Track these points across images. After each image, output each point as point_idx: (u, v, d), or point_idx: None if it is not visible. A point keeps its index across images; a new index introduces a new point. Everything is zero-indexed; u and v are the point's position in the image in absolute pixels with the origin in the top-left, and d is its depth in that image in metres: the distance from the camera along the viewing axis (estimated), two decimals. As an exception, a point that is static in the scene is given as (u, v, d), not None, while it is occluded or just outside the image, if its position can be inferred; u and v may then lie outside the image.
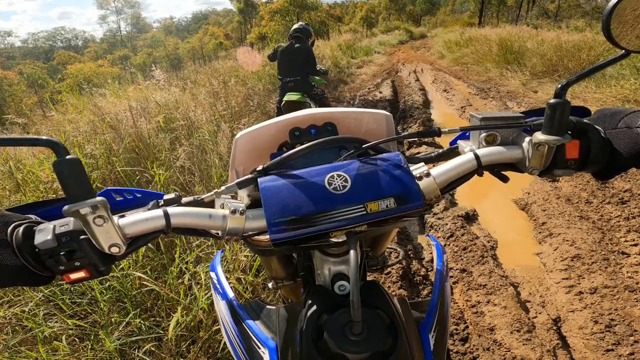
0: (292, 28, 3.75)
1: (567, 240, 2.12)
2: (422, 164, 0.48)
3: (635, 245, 2.05)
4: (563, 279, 1.87)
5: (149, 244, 1.68)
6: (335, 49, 11.37)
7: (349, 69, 9.75)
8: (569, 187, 2.74)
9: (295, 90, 3.46)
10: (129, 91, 3.96)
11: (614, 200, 2.48)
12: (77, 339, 1.37)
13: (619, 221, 2.27)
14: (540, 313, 1.70)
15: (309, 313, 0.46)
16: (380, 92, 6.80)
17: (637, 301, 1.68)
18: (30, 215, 0.41)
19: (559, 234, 2.20)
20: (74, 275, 0.39)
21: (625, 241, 2.09)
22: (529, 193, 2.73)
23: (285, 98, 3.35)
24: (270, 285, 0.86)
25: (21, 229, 0.38)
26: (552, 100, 0.44)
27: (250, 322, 0.56)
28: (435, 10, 43.19)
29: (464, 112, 5.19)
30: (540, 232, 2.29)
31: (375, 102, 6.07)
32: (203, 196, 0.47)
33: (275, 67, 3.90)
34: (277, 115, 3.44)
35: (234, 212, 0.43)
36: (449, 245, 2.22)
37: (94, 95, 3.82)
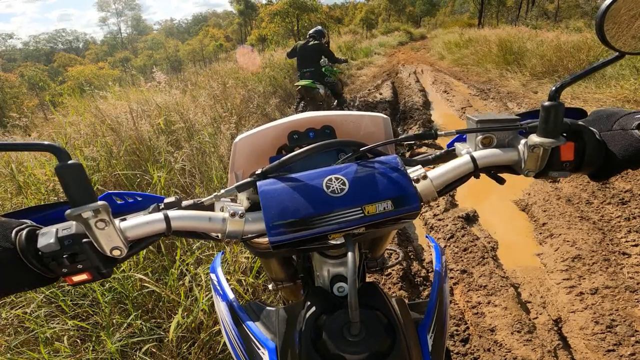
0: (311, 30, 4.72)
1: (567, 241, 2.13)
2: (419, 166, 0.49)
3: (636, 245, 2.05)
4: (564, 279, 1.87)
5: (150, 246, 1.69)
6: (335, 50, 11.39)
7: (348, 70, 9.76)
8: (570, 188, 2.74)
9: (309, 78, 4.24)
10: (129, 93, 3.98)
11: (615, 200, 2.48)
12: (78, 340, 1.38)
13: (619, 221, 2.27)
14: (541, 314, 1.70)
15: (307, 314, 0.47)
16: (381, 94, 6.81)
17: (638, 302, 1.68)
18: (25, 221, 0.41)
19: (560, 234, 2.20)
20: (76, 278, 0.40)
21: (626, 241, 2.09)
22: (529, 194, 2.73)
23: (298, 83, 4.21)
24: (270, 286, 0.87)
25: (24, 232, 0.38)
26: (546, 103, 0.45)
27: (250, 323, 0.56)
28: (435, 11, 43.23)
29: (464, 112, 5.19)
30: (540, 233, 2.29)
31: (375, 104, 6.08)
32: (203, 199, 0.48)
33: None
34: (297, 99, 3.69)
35: (233, 215, 0.43)
36: (449, 246, 2.22)
37: (95, 98, 3.84)
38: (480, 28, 16.74)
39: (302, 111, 4.13)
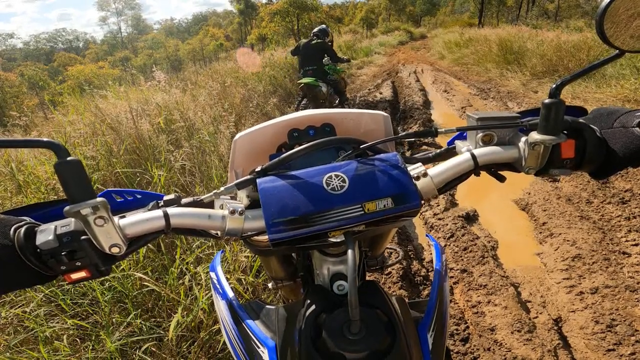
0: (315, 29, 4.81)
1: (567, 240, 2.12)
2: (420, 164, 0.49)
3: (636, 245, 2.04)
4: (564, 279, 1.87)
5: (150, 245, 1.69)
6: (335, 50, 11.36)
7: (349, 70, 9.75)
8: (570, 187, 2.74)
9: (312, 76, 4.24)
10: (129, 92, 3.97)
11: (615, 200, 2.48)
12: (78, 339, 1.38)
13: (619, 221, 2.26)
14: (541, 313, 1.70)
15: (307, 313, 0.46)
16: (381, 93, 6.81)
17: (638, 301, 1.68)
18: (24, 218, 0.41)
19: (560, 234, 2.20)
20: (75, 275, 0.39)
21: (626, 241, 2.09)
22: (529, 193, 2.73)
23: (300, 81, 4.19)
24: (270, 285, 0.86)
25: (22, 230, 0.38)
26: (546, 100, 0.45)
27: (249, 321, 0.56)
28: (435, 11, 43.21)
29: (464, 112, 5.19)
30: (540, 232, 2.29)
31: (375, 103, 6.08)
32: (202, 197, 0.48)
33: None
34: (299, 96, 3.69)
35: (233, 212, 0.43)
36: (449, 245, 2.22)
37: (95, 97, 3.83)
38: (481, 27, 16.73)
39: (304, 109, 4.14)
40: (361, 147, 0.50)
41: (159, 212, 0.42)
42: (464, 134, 0.55)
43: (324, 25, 4.87)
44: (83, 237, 0.38)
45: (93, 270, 0.39)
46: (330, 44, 4.81)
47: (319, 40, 4.52)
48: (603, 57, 0.45)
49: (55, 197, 2.03)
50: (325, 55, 4.44)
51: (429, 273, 2.01)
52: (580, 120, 0.48)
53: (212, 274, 0.72)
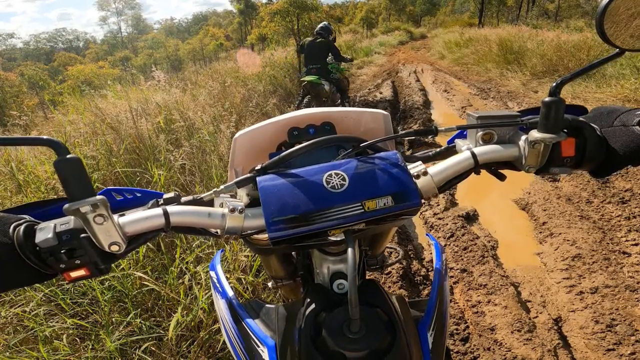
0: (317, 27, 4.86)
1: (567, 240, 2.12)
2: (420, 162, 0.49)
3: (636, 244, 2.04)
4: (564, 278, 1.87)
5: (150, 244, 1.69)
6: (336, 49, 11.33)
7: (349, 70, 9.75)
8: (570, 187, 2.74)
9: (315, 74, 4.33)
10: (129, 92, 3.97)
11: (615, 199, 2.48)
12: (77, 339, 1.38)
13: (619, 221, 2.26)
14: (541, 313, 1.70)
15: (307, 311, 0.46)
16: (381, 93, 6.81)
17: (638, 301, 1.68)
18: (24, 216, 0.41)
19: (560, 233, 2.20)
20: (74, 274, 0.39)
21: (626, 241, 2.09)
22: (529, 193, 2.73)
23: (304, 78, 4.30)
24: (270, 284, 0.86)
25: (22, 228, 0.38)
26: (547, 99, 0.45)
27: (249, 320, 0.56)
28: (435, 11, 43.19)
29: (464, 112, 5.19)
30: (540, 232, 2.29)
31: (375, 103, 6.08)
32: (202, 195, 0.48)
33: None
34: (301, 94, 3.79)
35: (232, 210, 0.43)
36: (449, 245, 2.22)
37: (94, 97, 3.83)
38: (481, 27, 16.72)
39: (306, 106, 4.17)
40: (361, 145, 0.50)
41: (158, 210, 0.41)
42: (464, 133, 0.55)
43: (325, 23, 4.94)
44: (82, 235, 0.38)
45: (92, 269, 0.39)
46: (333, 40, 4.84)
47: (323, 39, 4.62)
48: (603, 57, 0.45)
49: (55, 196, 2.03)
50: (329, 54, 4.50)
51: (429, 272, 2.01)
52: (581, 118, 0.48)
53: (212, 273, 0.72)
